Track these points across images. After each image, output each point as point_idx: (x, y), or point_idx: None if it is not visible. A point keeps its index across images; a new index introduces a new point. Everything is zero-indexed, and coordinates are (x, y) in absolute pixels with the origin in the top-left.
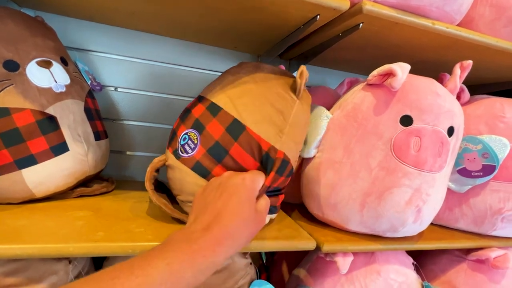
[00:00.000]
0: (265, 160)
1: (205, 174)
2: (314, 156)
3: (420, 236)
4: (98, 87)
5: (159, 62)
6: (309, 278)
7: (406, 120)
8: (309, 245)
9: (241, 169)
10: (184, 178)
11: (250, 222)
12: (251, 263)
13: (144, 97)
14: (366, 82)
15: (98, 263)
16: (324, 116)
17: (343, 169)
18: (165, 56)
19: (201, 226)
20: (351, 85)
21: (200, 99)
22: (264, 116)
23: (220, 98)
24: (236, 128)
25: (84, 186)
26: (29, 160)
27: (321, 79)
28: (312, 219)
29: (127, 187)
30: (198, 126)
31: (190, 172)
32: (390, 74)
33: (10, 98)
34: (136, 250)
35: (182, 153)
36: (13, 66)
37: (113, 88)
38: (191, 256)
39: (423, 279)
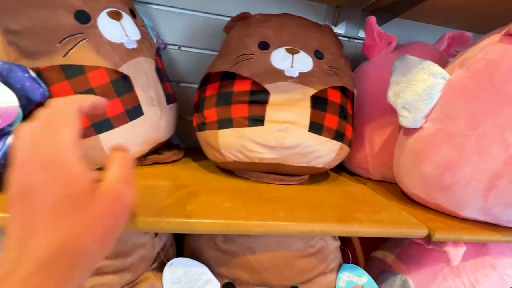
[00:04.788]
0: None
1: None
2: (421, 127)
3: None
4: (162, 45)
5: (227, 16)
6: (400, 265)
7: None
8: (419, 232)
9: None
10: None
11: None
12: (340, 246)
13: (211, 57)
14: (504, 32)
15: (177, 235)
16: (439, 77)
17: (466, 144)
18: (235, 9)
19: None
20: (453, 41)
21: None
22: None
23: None
24: None
25: (155, 153)
26: (106, 124)
27: (408, 36)
28: (406, 200)
29: (193, 155)
30: None
31: None
32: None
33: (83, 55)
34: (231, 228)
35: None
36: (84, 17)
37: (176, 47)
38: None
39: None
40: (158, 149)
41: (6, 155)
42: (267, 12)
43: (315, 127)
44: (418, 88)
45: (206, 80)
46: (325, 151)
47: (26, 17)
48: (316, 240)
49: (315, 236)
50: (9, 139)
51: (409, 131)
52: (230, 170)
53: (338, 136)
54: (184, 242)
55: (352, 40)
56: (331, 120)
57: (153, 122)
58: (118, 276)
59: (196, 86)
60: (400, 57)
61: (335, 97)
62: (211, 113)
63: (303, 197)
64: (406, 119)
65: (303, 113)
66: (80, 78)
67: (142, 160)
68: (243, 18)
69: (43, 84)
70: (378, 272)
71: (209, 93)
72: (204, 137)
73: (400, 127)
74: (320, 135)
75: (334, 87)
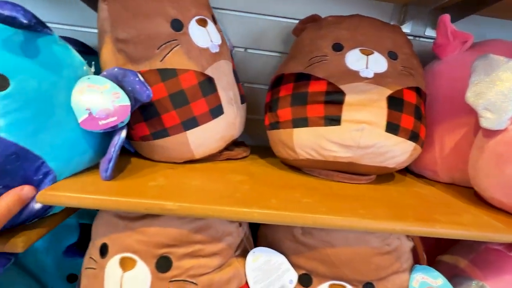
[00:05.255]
0: None
1: None
2: (505, 129)
3: None
4: (231, 48)
5: (292, 18)
6: (476, 271)
7: None
8: (506, 237)
9: None
10: None
11: None
12: (414, 247)
13: (276, 59)
14: None
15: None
16: None
17: None
18: (300, 11)
19: None
20: None
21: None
22: None
23: None
24: None
25: (227, 149)
26: (193, 122)
27: (481, 33)
28: (481, 203)
29: (258, 153)
30: None
31: None
32: None
33: (177, 59)
34: (316, 222)
35: None
36: (178, 26)
37: (242, 49)
38: None
39: None
40: (229, 146)
41: (120, 147)
42: (333, 13)
43: (392, 128)
44: (504, 88)
45: (279, 81)
46: (399, 151)
47: (133, 27)
48: (393, 239)
49: (391, 235)
50: (123, 133)
51: (491, 133)
52: (298, 167)
53: (413, 136)
54: (258, 232)
55: (418, 38)
56: (407, 120)
57: (230, 120)
58: (210, 259)
59: (261, 86)
60: (482, 56)
61: (410, 97)
62: (285, 113)
63: (375, 196)
64: (489, 121)
65: (380, 113)
66: (173, 80)
67: (218, 155)
68: (312, 20)
69: (148, 87)
70: (449, 276)
71: (283, 93)
72: (278, 135)
73: (476, 128)
74: (396, 136)
75: (409, 88)
